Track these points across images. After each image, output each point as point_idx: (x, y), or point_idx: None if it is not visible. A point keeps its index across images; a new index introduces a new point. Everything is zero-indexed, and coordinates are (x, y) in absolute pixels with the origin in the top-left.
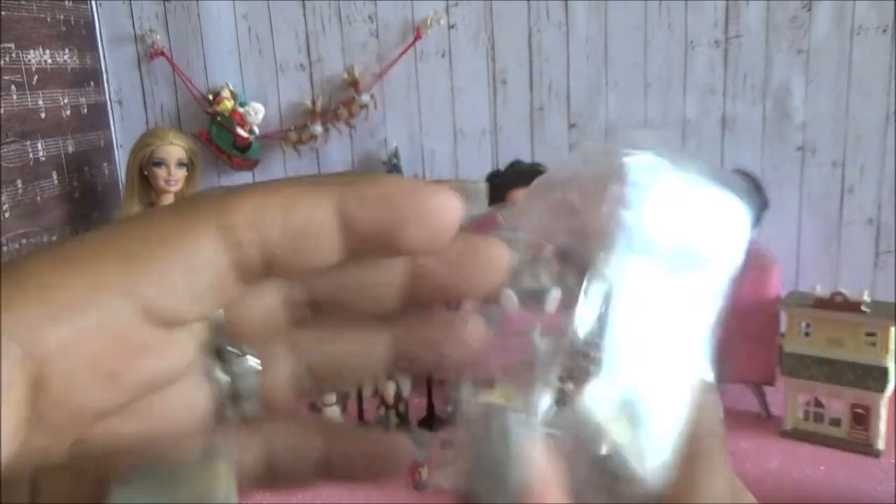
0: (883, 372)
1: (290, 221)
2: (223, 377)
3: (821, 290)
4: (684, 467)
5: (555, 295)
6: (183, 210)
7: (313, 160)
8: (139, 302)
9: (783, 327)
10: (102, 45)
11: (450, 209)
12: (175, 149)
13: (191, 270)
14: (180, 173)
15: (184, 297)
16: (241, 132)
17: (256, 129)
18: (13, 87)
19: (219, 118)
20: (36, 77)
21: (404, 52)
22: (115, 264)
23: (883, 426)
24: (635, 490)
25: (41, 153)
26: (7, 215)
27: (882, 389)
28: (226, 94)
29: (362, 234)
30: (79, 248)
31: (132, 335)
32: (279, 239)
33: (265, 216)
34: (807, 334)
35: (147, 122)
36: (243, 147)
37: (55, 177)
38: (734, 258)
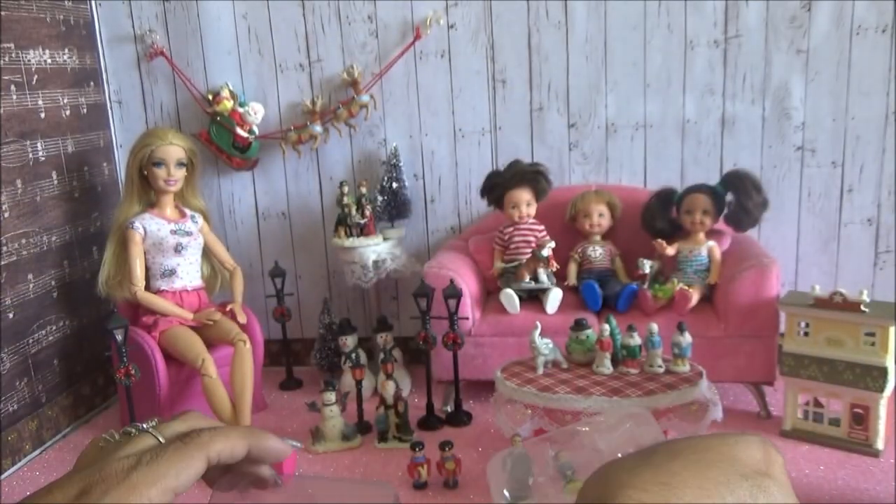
0: (882, 372)
1: (234, 452)
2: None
3: (820, 290)
4: None
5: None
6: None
7: (313, 160)
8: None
9: (782, 327)
10: (102, 45)
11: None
12: (174, 149)
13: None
14: (180, 173)
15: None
16: (241, 132)
17: (256, 129)
18: (13, 87)
19: (218, 118)
20: (36, 77)
21: (404, 51)
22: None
23: (882, 426)
24: None
25: (41, 153)
26: (7, 215)
27: (881, 389)
28: (225, 94)
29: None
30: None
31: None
32: (228, 458)
33: (223, 451)
34: (806, 334)
35: (147, 122)
36: (243, 147)
37: (55, 177)
38: None
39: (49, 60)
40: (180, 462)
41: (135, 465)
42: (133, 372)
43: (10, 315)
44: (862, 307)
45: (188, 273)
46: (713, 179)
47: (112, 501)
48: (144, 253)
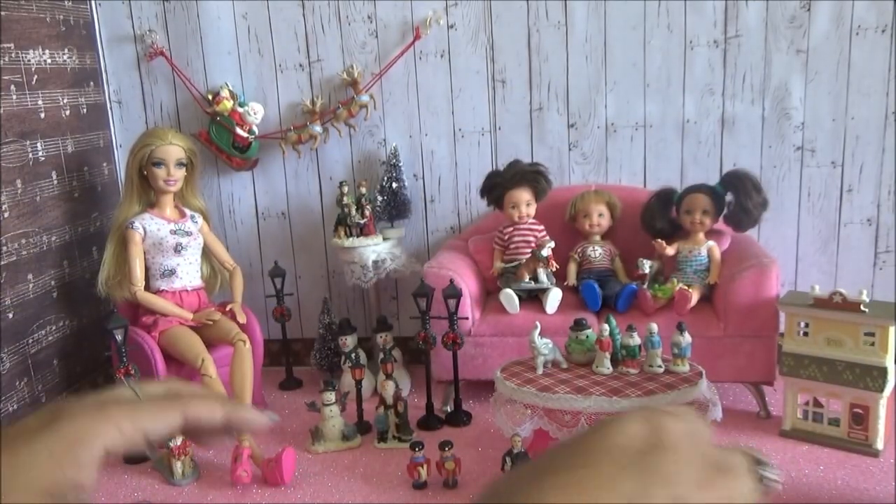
0: (882, 372)
1: (210, 415)
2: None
3: (820, 290)
4: None
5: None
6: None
7: (313, 160)
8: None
9: (782, 327)
10: (102, 45)
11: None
12: (174, 149)
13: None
14: (179, 173)
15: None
16: (241, 132)
17: (256, 129)
18: (13, 87)
19: (218, 118)
20: (36, 77)
21: (404, 52)
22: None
23: (882, 426)
24: None
25: (41, 153)
26: (7, 215)
27: (881, 389)
28: (225, 94)
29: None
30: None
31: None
32: (206, 420)
33: (199, 412)
34: (805, 334)
35: (146, 122)
36: (243, 147)
37: (55, 177)
38: None
39: (49, 60)
40: (158, 410)
41: (113, 401)
42: (133, 372)
43: (10, 315)
44: (862, 307)
45: (188, 273)
46: (713, 179)
47: (84, 424)
48: (144, 253)
